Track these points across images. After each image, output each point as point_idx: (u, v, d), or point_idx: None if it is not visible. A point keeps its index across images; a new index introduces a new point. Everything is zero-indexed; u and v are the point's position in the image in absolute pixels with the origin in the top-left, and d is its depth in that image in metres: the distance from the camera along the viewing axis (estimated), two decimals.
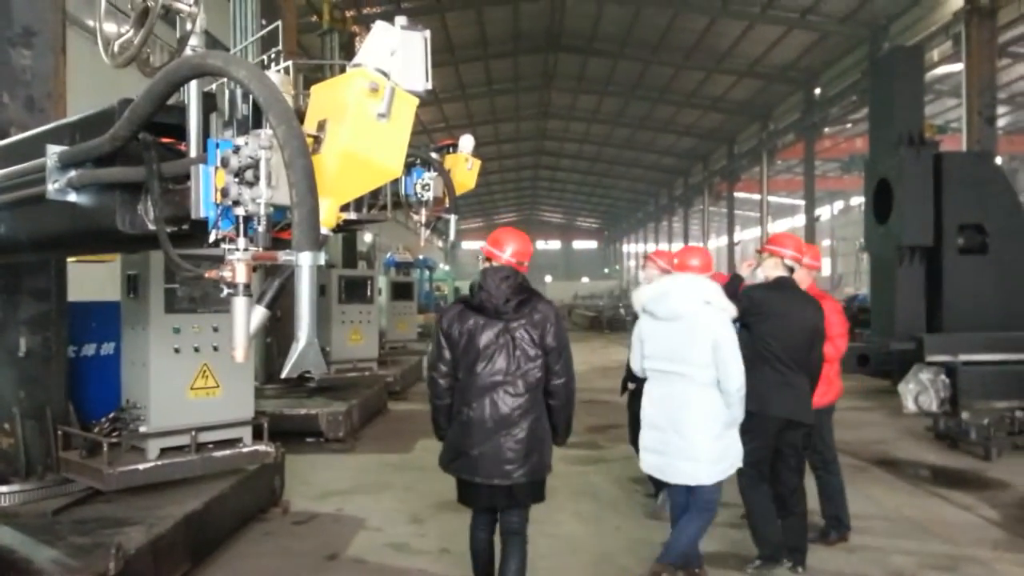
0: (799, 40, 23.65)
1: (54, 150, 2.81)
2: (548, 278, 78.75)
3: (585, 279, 76.71)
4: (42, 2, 4.76)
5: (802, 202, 30.36)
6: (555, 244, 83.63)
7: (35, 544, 3.98)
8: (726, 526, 5.50)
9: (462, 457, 3.73)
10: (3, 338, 4.74)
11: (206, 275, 2.28)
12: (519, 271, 3.80)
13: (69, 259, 5.36)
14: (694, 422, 4.14)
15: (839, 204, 45.55)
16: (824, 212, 41.08)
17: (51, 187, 2.79)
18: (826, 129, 26.89)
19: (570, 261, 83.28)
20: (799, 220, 39.69)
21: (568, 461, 8.05)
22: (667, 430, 4.18)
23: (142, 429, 4.98)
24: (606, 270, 78.56)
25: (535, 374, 3.71)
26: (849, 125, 28.32)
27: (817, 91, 25.84)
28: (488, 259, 3.86)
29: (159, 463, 4.89)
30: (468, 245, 76.91)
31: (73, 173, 2.77)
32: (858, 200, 36.16)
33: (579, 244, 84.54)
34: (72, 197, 2.81)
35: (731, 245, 35.92)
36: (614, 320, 31.36)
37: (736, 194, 36.22)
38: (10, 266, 4.70)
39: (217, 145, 2.25)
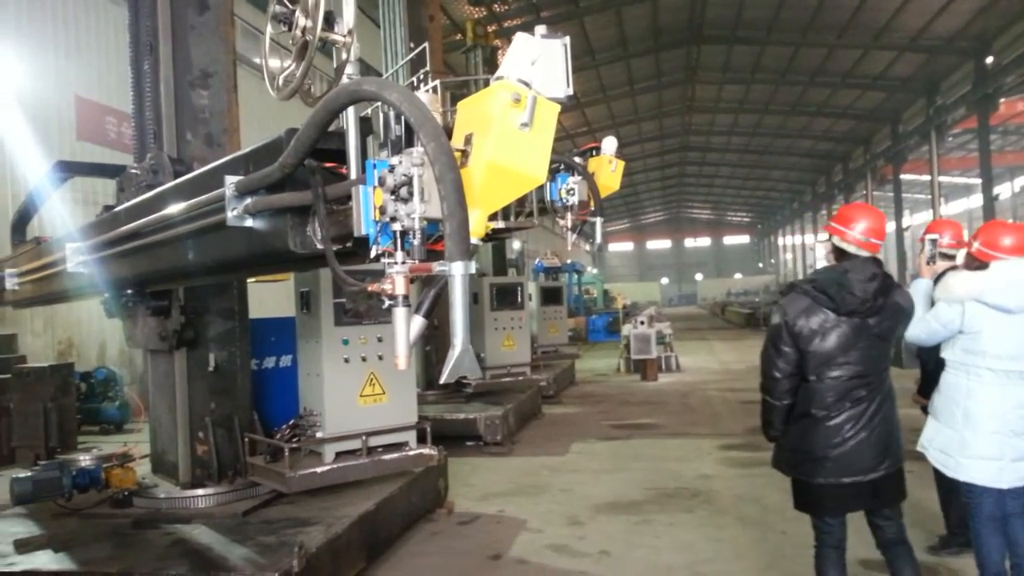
0: (966, 6, 21.84)
1: (231, 180, 3.03)
2: (699, 276, 77.01)
3: (738, 275, 74.36)
4: (216, 46, 5.20)
5: (978, 180, 27.93)
6: (704, 241, 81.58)
7: (228, 543, 4.36)
8: None
9: (814, 461, 3.46)
10: (195, 354, 5.22)
11: (369, 288, 2.41)
12: (881, 265, 3.47)
13: (248, 280, 5.80)
14: None
15: (1021, 180, 41.51)
16: (1004, 190, 37.53)
17: (230, 214, 3.02)
18: (1002, 100, 24.59)
19: (721, 257, 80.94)
20: (975, 200, 36.61)
21: (728, 463, 7.85)
22: (1021, 434, 3.79)
23: (319, 435, 5.30)
24: (760, 265, 75.75)
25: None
26: None
27: (990, 59, 23.69)
28: (832, 237, 3.52)
29: (335, 466, 5.18)
30: (615, 247, 76.44)
31: (248, 200, 3.00)
32: None
33: (730, 240, 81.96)
34: (248, 222, 3.03)
35: (899, 231, 33.55)
36: (771, 317, 30.06)
37: (903, 176, 33.82)
38: (199, 289, 5.17)
39: (374, 166, 2.38)
